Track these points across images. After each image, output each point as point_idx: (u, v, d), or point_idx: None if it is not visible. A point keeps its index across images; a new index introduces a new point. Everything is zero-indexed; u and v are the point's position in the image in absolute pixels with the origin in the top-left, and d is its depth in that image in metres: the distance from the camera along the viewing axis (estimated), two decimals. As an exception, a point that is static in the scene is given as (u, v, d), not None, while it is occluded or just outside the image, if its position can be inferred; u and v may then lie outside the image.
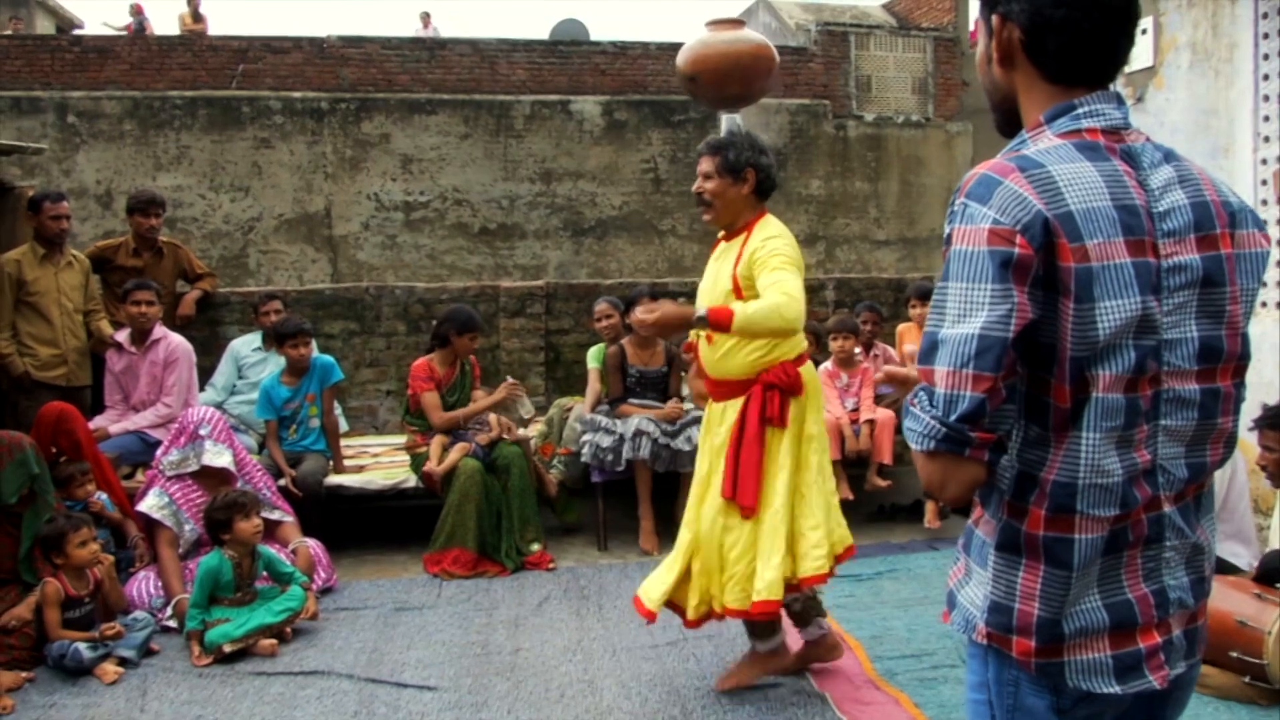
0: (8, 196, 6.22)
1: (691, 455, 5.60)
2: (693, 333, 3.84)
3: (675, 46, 13.88)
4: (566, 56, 13.90)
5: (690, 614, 3.87)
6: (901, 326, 6.59)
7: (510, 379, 5.87)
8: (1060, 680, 1.55)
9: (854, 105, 14.73)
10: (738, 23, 4.78)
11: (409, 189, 13.00)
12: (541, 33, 18.97)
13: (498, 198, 13.22)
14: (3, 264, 5.74)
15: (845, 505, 5.95)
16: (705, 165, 3.76)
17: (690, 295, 7.34)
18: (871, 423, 6.04)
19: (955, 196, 1.53)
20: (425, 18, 16.60)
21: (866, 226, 14.59)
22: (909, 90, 14.96)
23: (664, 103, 13.79)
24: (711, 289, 3.77)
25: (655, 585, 3.88)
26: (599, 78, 13.80)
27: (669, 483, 5.84)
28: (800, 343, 3.75)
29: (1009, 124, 1.72)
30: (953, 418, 1.44)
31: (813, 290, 7.67)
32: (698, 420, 5.69)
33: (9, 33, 14.87)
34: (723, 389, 3.79)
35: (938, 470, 1.49)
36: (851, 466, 6.07)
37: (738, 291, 3.62)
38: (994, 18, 1.64)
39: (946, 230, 1.53)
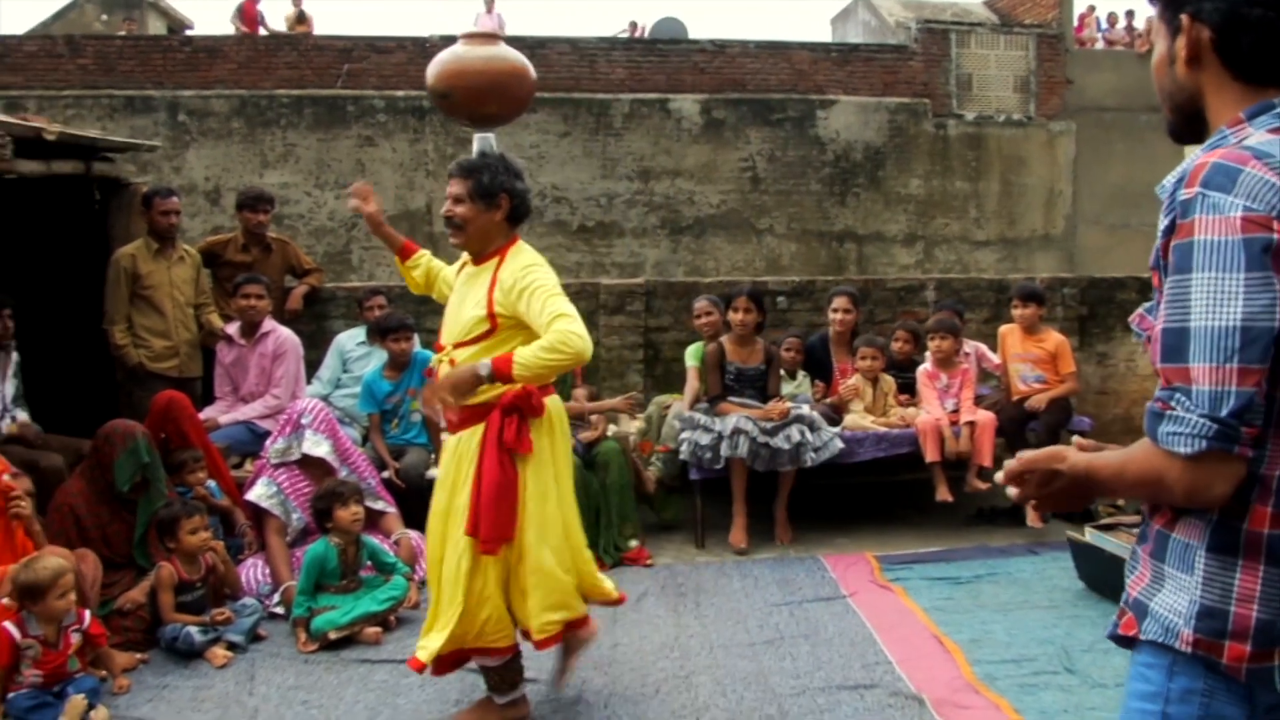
0: (123, 193, 6.43)
1: (791, 454, 5.59)
2: (434, 359, 3.64)
3: (775, 45, 14.11)
4: (665, 55, 13.93)
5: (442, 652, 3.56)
6: (1003, 328, 6.44)
7: (632, 394, 5.96)
8: (1268, 686, 1.51)
9: (954, 104, 14.51)
10: (493, 38, 4.43)
11: (508, 187, 13.13)
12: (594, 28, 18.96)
13: (596, 195, 13.31)
14: (119, 258, 5.94)
15: (944, 508, 5.94)
16: (456, 188, 3.51)
17: (790, 294, 7.32)
18: (972, 424, 5.92)
19: (1179, 188, 1.50)
20: (489, 2, 16.70)
21: (966, 227, 14.38)
22: (1011, 88, 14.69)
23: (763, 101, 13.74)
24: (457, 314, 3.55)
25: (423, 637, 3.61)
26: (698, 76, 13.79)
27: (769, 481, 5.81)
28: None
29: (1188, 126, 1.68)
30: (1222, 415, 1.40)
31: (912, 291, 7.58)
32: (799, 419, 5.65)
33: (123, 34, 15.41)
34: (463, 416, 3.52)
35: (1204, 471, 1.43)
36: (950, 468, 5.97)
37: (492, 319, 3.40)
38: (1182, 17, 1.60)
39: (1166, 222, 1.51)
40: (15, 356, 5.41)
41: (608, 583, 3.96)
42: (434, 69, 4.19)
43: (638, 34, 17.12)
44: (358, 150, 12.95)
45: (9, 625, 3.76)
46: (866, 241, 14.07)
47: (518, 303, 3.36)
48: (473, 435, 3.47)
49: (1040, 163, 14.56)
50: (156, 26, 17.01)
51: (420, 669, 3.54)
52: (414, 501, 5.49)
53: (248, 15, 16.10)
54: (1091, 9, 18.51)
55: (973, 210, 14.37)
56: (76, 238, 6.26)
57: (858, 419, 6.01)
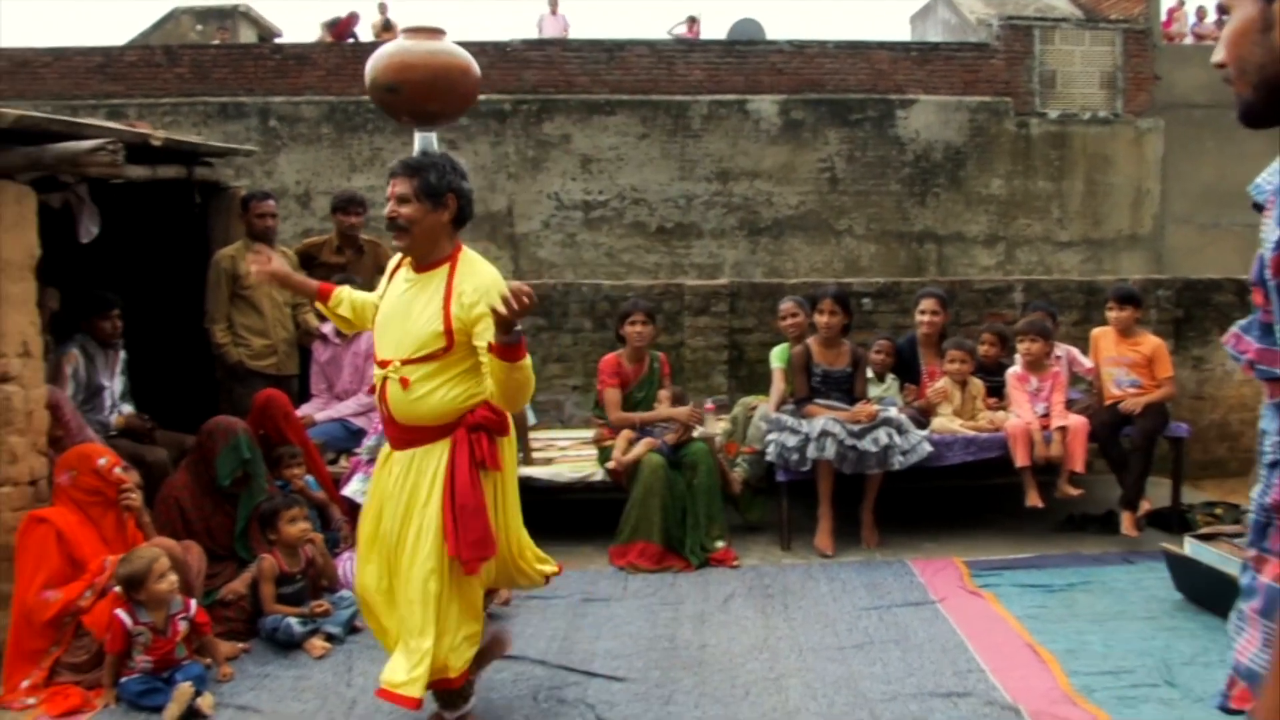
0: (222, 196, 6.61)
1: (879, 457, 5.55)
2: (377, 373, 3.42)
3: (854, 45, 14.02)
4: (743, 56, 13.91)
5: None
6: (1096, 331, 6.30)
7: (696, 406, 5.91)
8: None
9: (1037, 102, 14.27)
10: (438, 31, 4.15)
11: (588, 188, 13.26)
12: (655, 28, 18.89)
13: (675, 197, 13.35)
14: (219, 260, 6.11)
15: (1032, 513, 5.85)
16: (400, 187, 3.31)
17: (875, 295, 7.28)
18: (1063, 429, 5.82)
19: None
20: (553, 3, 16.81)
21: (1049, 227, 14.14)
22: (1096, 85, 14.40)
23: (841, 101, 13.66)
24: (403, 325, 3.34)
25: (402, 670, 3.36)
26: (776, 77, 13.75)
27: (853, 484, 5.79)
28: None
29: (1272, 106, 1.46)
30: None
31: (999, 293, 7.48)
32: (887, 422, 5.62)
33: (216, 42, 15.82)
34: (412, 435, 3.37)
35: None
36: (1040, 473, 5.87)
37: (449, 335, 3.26)
38: None
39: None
40: (123, 354, 5.59)
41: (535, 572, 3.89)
42: (379, 63, 3.96)
43: (695, 29, 17.08)
44: (440, 153, 13.14)
45: (121, 613, 3.91)
46: (947, 242, 13.91)
47: (475, 324, 3.23)
48: (429, 453, 3.35)
49: (1127, 161, 14.25)
50: (248, 35, 17.41)
51: (416, 705, 3.35)
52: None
53: (342, 30, 16.44)
54: (1181, 2, 18.07)
55: (1056, 210, 14.13)
56: (178, 240, 6.45)
57: (945, 422, 5.95)
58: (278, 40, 17.76)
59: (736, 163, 13.46)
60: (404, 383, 3.29)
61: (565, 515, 6.29)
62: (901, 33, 19.40)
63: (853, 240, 13.69)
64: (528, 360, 3.18)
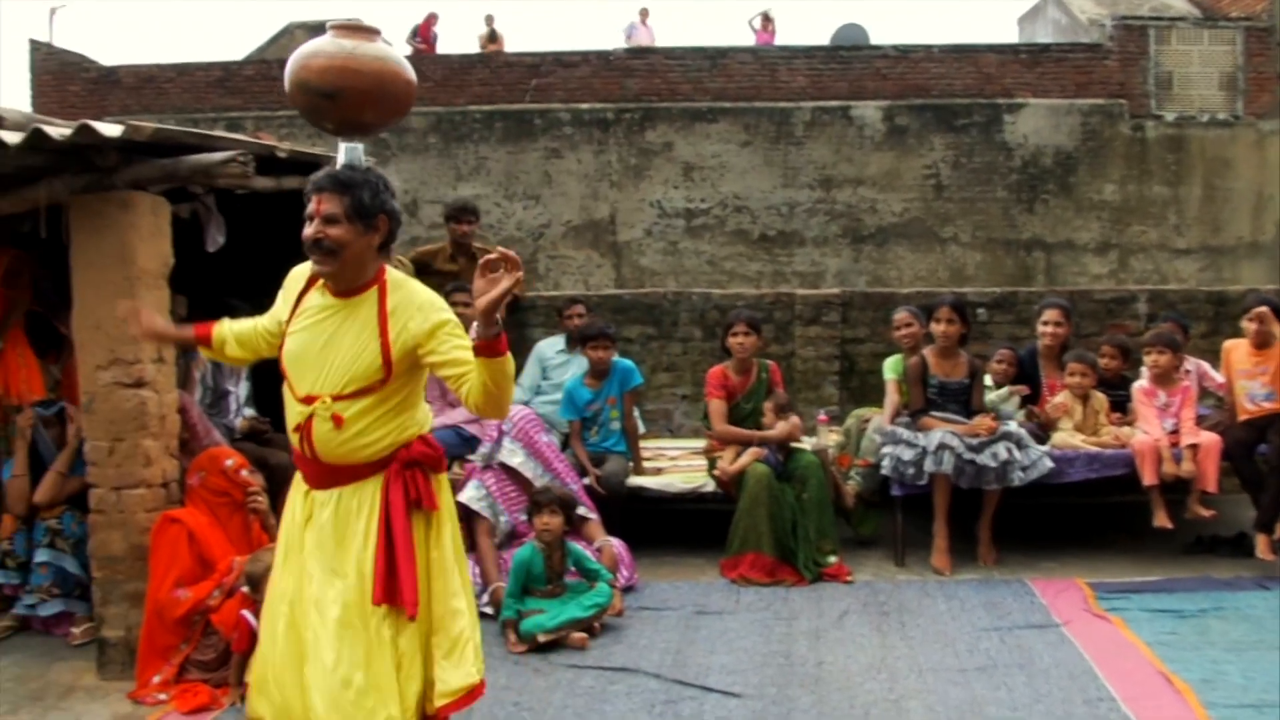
0: (339, 206, 6.72)
1: (998, 472, 5.41)
2: (298, 411, 3.02)
3: (960, 48, 13.79)
4: (847, 62, 13.78)
5: None
6: (1229, 343, 6.04)
7: (795, 416, 5.80)
8: None
9: (1153, 104, 13.85)
10: (375, 32, 3.66)
11: (690, 196, 13.26)
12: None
13: (777, 204, 13.27)
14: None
15: (1157, 534, 5.64)
16: (329, 205, 2.92)
17: (990, 305, 7.12)
18: (1194, 446, 5.60)
19: None
20: (644, 14, 16.79)
21: (1165, 234, 13.70)
22: (1215, 86, 13.93)
23: (947, 107, 13.44)
24: (327, 357, 2.97)
25: None
26: (880, 82, 13.59)
27: (969, 499, 5.65)
28: (426, 419, 3.17)
29: None
30: None
31: (1122, 303, 7.26)
32: (1006, 436, 5.47)
33: (328, 54, 16.20)
34: (340, 474, 3.02)
35: None
36: (1166, 491, 5.66)
37: (388, 365, 2.92)
38: None
39: None
40: (246, 360, 5.73)
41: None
42: (314, 61, 3.39)
43: (771, 28, 16.97)
44: (544, 162, 13.28)
45: (247, 614, 3.99)
46: (1056, 250, 13.57)
47: (428, 339, 2.94)
48: (360, 490, 3.03)
49: (1248, 165, 13.73)
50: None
51: None
52: (613, 509, 5.59)
53: (424, 33, 16.71)
54: (1307, 1, 17.38)
55: (1172, 216, 13.68)
56: (299, 249, 6.58)
57: (1066, 437, 5.77)
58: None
59: (840, 169, 13.33)
60: (338, 420, 2.95)
61: (676, 526, 6.28)
62: (1009, 35, 19.03)
63: (958, 248, 13.44)
64: (509, 357, 2.86)
